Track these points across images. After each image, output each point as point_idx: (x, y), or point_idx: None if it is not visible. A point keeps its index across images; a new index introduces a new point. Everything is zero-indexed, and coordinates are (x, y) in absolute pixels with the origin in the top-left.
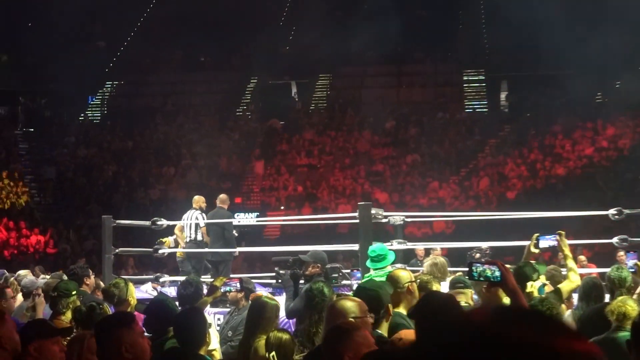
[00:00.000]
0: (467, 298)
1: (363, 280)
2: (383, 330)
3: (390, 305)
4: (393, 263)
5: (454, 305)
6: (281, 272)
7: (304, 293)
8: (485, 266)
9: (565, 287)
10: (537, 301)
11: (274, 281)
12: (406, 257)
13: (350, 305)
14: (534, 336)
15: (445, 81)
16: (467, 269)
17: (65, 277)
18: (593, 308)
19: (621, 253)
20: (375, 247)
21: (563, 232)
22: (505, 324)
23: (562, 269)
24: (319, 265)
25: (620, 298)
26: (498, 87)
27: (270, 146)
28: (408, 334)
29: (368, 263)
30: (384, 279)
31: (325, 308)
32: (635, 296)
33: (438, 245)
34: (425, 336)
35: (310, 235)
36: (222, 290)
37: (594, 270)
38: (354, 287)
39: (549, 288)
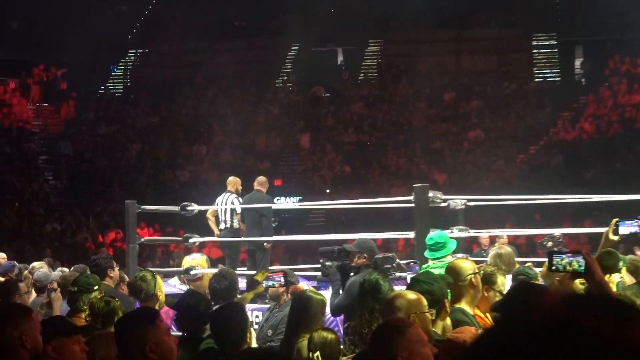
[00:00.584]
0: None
1: (419, 272)
2: (438, 328)
3: (447, 301)
4: (454, 252)
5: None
6: (327, 263)
7: (349, 287)
8: (569, 256)
9: None
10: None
11: (319, 274)
12: (469, 246)
13: (411, 300)
14: (614, 326)
15: (512, 47)
16: (537, 259)
17: (88, 271)
18: None
19: None
20: (434, 235)
21: None
22: (579, 311)
23: None
24: (365, 255)
25: None
26: (572, 53)
27: (314, 118)
28: (467, 331)
29: (426, 253)
30: (443, 270)
31: (379, 304)
32: None
33: (505, 233)
34: (490, 332)
35: (360, 221)
36: (264, 284)
37: None
38: (409, 281)
39: (628, 280)
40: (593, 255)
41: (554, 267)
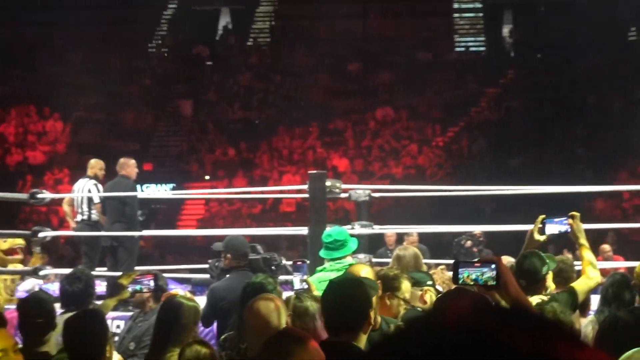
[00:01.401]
0: (415, 300)
1: (317, 275)
2: (361, 343)
3: (373, 313)
4: (354, 253)
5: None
6: (217, 264)
7: (209, 293)
8: (477, 266)
9: (580, 285)
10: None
11: (195, 276)
12: (372, 245)
13: (310, 306)
14: (527, 340)
15: (430, 10)
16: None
17: None
18: (616, 315)
19: None
20: (332, 231)
21: (578, 214)
22: (490, 324)
23: (576, 263)
24: (228, 255)
25: None
26: (500, 18)
27: (194, 87)
28: None
29: (321, 252)
30: (340, 273)
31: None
32: None
33: (414, 230)
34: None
35: (244, 214)
36: (130, 289)
37: (622, 264)
38: (297, 285)
39: (553, 288)
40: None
41: (460, 281)
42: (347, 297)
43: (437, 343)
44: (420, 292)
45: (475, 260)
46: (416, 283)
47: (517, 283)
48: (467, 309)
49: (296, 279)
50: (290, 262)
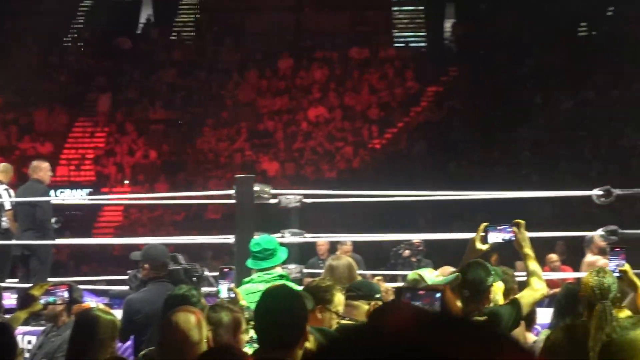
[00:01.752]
0: (361, 315)
1: (244, 286)
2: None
3: (307, 326)
4: (284, 263)
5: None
6: (137, 274)
7: (124, 306)
8: (421, 296)
9: (525, 298)
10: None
11: (112, 287)
12: (303, 255)
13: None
14: (470, 351)
15: (366, 3)
16: (394, 272)
17: None
18: (564, 326)
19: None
20: (261, 239)
21: (522, 222)
22: (432, 334)
23: (520, 273)
24: (146, 265)
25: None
26: (441, 12)
27: (114, 83)
28: None
29: (249, 262)
30: (270, 284)
31: None
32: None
33: (349, 238)
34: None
35: (166, 222)
36: (42, 301)
37: (570, 275)
38: (223, 294)
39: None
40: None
41: None
42: (283, 311)
43: (374, 357)
44: (367, 306)
45: (421, 288)
46: (364, 296)
47: (460, 295)
48: (407, 322)
49: (223, 287)
50: (213, 274)
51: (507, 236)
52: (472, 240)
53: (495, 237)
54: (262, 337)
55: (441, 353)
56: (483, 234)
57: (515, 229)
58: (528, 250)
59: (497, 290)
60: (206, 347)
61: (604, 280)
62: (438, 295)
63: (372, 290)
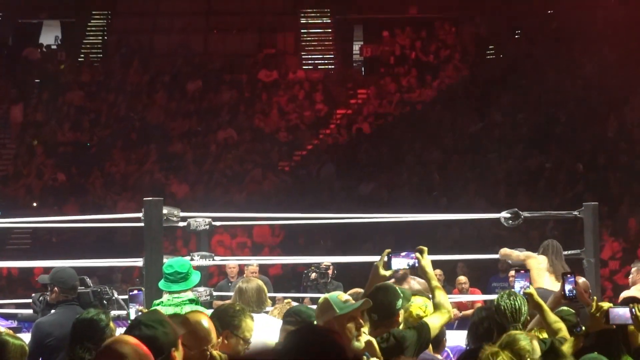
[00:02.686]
0: None
1: (155, 309)
2: None
3: (177, 352)
4: (196, 286)
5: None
6: (41, 298)
7: (32, 330)
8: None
9: (433, 321)
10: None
11: (21, 311)
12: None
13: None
14: None
15: (275, 25)
16: (302, 294)
17: None
18: (470, 350)
19: (512, 273)
20: (174, 262)
21: (425, 249)
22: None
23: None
24: (56, 288)
25: (511, 334)
26: (350, 33)
27: (23, 95)
28: None
29: (161, 283)
30: (180, 309)
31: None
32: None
33: (255, 261)
34: None
35: (75, 244)
36: None
37: (479, 298)
38: (132, 316)
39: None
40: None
41: None
42: (142, 337)
43: None
44: None
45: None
46: (302, 322)
47: (370, 319)
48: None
49: (132, 310)
50: (123, 296)
51: (411, 262)
52: (375, 266)
53: (398, 263)
54: None
55: None
56: (386, 259)
57: (417, 255)
58: (432, 275)
59: (415, 310)
60: None
61: (515, 303)
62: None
63: (311, 315)
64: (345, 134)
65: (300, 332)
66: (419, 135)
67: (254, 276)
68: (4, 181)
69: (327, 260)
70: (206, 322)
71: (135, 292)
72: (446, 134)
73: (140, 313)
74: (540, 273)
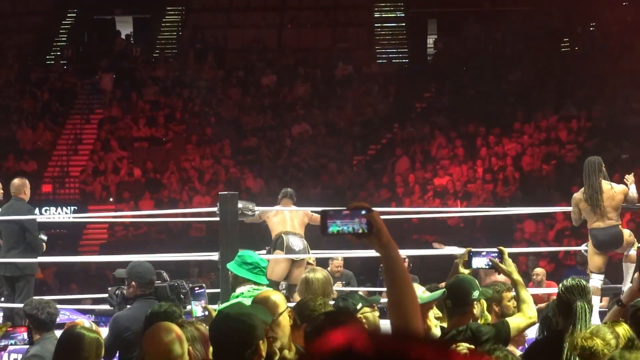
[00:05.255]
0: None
1: (229, 303)
2: None
3: (263, 343)
4: None
5: None
6: (117, 292)
7: (111, 324)
8: (346, 215)
9: (515, 322)
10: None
11: (98, 307)
12: None
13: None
14: None
15: (349, 19)
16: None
17: None
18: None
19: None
20: (254, 254)
21: (505, 250)
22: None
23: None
24: (133, 283)
25: (590, 329)
26: (424, 28)
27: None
28: None
29: (249, 275)
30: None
31: None
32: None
33: (340, 254)
34: None
35: (151, 239)
36: (2, 343)
37: (555, 290)
38: (198, 313)
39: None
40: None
41: (329, 232)
42: (231, 330)
43: None
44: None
45: (344, 208)
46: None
47: (445, 306)
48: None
49: (197, 307)
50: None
51: (490, 262)
52: (455, 264)
53: (478, 262)
54: (215, 355)
55: None
56: (467, 259)
57: (500, 255)
58: (516, 276)
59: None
60: None
61: (580, 282)
62: (363, 212)
63: (352, 306)
64: (421, 128)
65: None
66: (492, 129)
67: (339, 270)
68: (82, 177)
69: (406, 253)
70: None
71: (197, 289)
72: (521, 126)
73: (206, 311)
74: None
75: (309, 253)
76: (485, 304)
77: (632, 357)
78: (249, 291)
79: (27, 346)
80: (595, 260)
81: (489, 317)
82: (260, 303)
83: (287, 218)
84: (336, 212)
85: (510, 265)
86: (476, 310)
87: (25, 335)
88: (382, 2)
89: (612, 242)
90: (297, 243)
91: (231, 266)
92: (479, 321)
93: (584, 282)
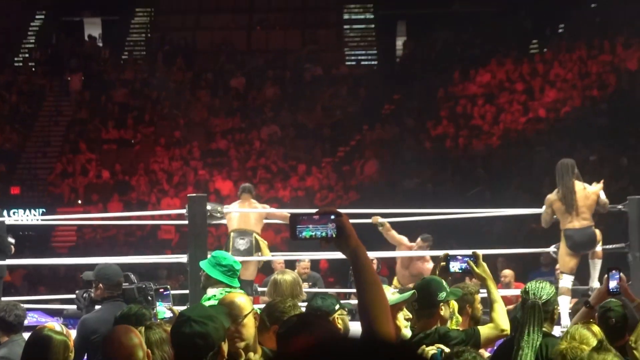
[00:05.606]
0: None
1: (196, 304)
2: None
3: (225, 344)
4: None
5: None
6: (85, 294)
7: (79, 326)
8: (315, 220)
9: (487, 332)
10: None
11: (67, 307)
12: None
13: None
14: None
15: (318, 20)
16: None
17: None
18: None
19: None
20: (228, 255)
21: (480, 254)
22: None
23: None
24: (101, 285)
25: (572, 331)
26: (393, 29)
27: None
28: None
29: (221, 277)
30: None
31: None
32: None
33: (307, 256)
34: None
35: (119, 242)
36: None
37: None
38: (166, 314)
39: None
40: None
41: (300, 237)
42: (192, 332)
43: None
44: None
45: (314, 213)
46: (327, 313)
47: (412, 308)
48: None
49: (161, 308)
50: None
51: (464, 266)
52: (433, 269)
53: (455, 266)
54: (178, 355)
55: None
56: (444, 263)
57: (473, 260)
58: (491, 283)
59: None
60: None
61: (539, 284)
62: (332, 217)
63: (330, 305)
64: (390, 129)
65: None
66: (463, 130)
67: (306, 272)
68: (50, 179)
69: (372, 255)
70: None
71: (162, 290)
72: (490, 128)
73: (171, 312)
74: None
75: (254, 251)
76: (456, 305)
77: (601, 358)
78: (221, 294)
79: None
80: (567, 261)
81: (460, 319)
82: (225, 305)
83: (239, 215)
84: (307, 217)
85: (485, 271)
86: (444, 312)
87: None
88: (352, 4)
89: (588, 243)
90: (242, 243)
91: (204, 265)
92: (449, 323)
93: (543, 284)
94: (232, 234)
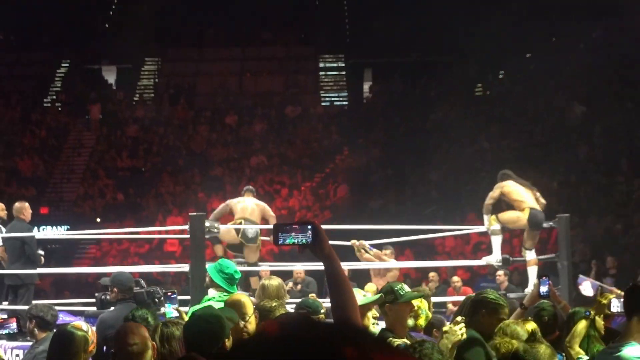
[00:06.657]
0: None
1: (200, 305)
2: None
3: (229, 341)
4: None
5: None
6: (103, 297)
7: (99, 322)
8: (294, 229)
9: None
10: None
11: (87, 308)
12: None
13: (177, 330)
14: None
15: (299, 68)
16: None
17: None
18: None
19: (500, 273)
20: (231, 265)
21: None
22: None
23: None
24: (115, 289)
25: (504, 326)
26: (361, 75)
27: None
28: None
29: (224, 284)
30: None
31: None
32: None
33: (303, 267)
34: None
35: (131, 253)
36: None
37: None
38: (174, 314)
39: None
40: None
41: (280, 243)
42: (201, 329)
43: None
44: None
45: (294, 223)
46: (311, 313)
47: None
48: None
49: (170, 309)
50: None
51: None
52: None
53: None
54: (189, 349)
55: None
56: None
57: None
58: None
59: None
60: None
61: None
62: (309, 226)
63: (318, 307)
64: (359, 159)
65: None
66: (419, 159)
67: (300, 276)
68: (74, 201)
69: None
70: (248, 300)
71: (169, 294)
72: (444, 157)
73: (177, 312)
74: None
75: (259, 237)
76: (426, 303)
77: (534, 350)
78: (219, 296)
79: (29, 343)
80: (532, 237)
81: (430, 315)
82: (231, 306)
83: (249, 206)
84: (289, 227)
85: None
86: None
87: (14, 325)
88: (326, 54)
89: (542, 223)
90: (251, 231)
91: (210, 270)
92: (420, 320)
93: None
94: (243, 222)
